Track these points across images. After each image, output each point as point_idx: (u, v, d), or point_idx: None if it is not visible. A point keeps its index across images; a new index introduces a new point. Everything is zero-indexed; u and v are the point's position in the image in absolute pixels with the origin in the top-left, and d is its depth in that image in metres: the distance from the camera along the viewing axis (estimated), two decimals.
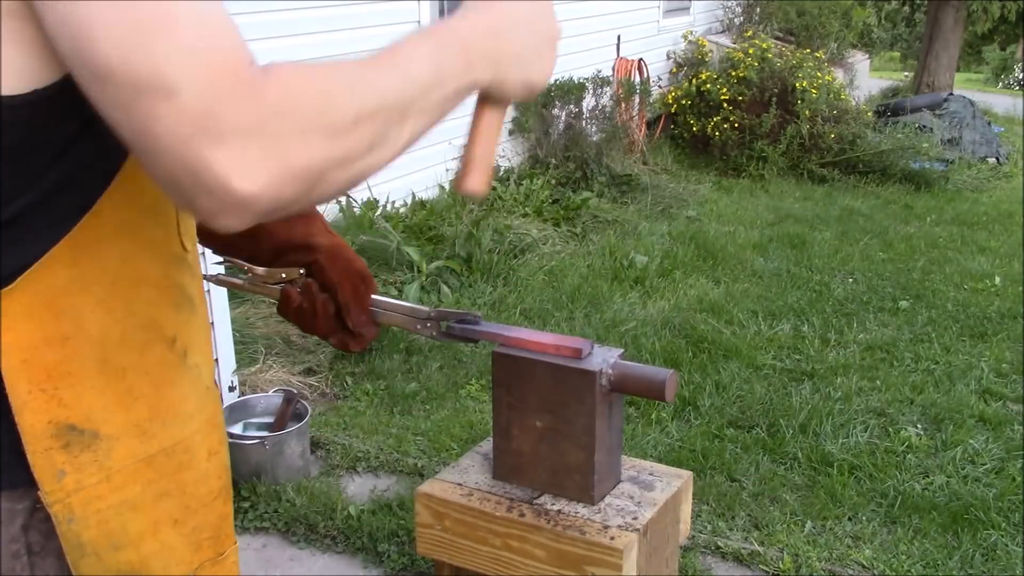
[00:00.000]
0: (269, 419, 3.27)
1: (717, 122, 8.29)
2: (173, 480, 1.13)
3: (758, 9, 10.51)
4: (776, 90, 8.20)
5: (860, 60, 12.00)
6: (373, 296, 1.40)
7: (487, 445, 1.62)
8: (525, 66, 0.95)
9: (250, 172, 0.74)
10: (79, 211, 0.94)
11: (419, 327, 1.40)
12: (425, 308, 1.40)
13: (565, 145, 7.04)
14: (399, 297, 4.36)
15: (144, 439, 1.08)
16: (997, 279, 5.50)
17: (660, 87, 8.95)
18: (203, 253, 1.84)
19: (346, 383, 3.89)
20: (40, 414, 0.99)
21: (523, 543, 1.40)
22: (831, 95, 8.29)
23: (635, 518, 1.40)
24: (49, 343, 0.98)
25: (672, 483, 1.51)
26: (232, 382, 3.45)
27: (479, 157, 1.02)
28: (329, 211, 5.21)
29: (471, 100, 1.00)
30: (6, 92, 0.82)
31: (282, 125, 0.75)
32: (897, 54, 26.00)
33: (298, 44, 4.98)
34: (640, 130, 8.10)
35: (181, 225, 1.08)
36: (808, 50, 9.13)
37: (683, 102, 8.65)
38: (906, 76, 16.18)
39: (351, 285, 1.38)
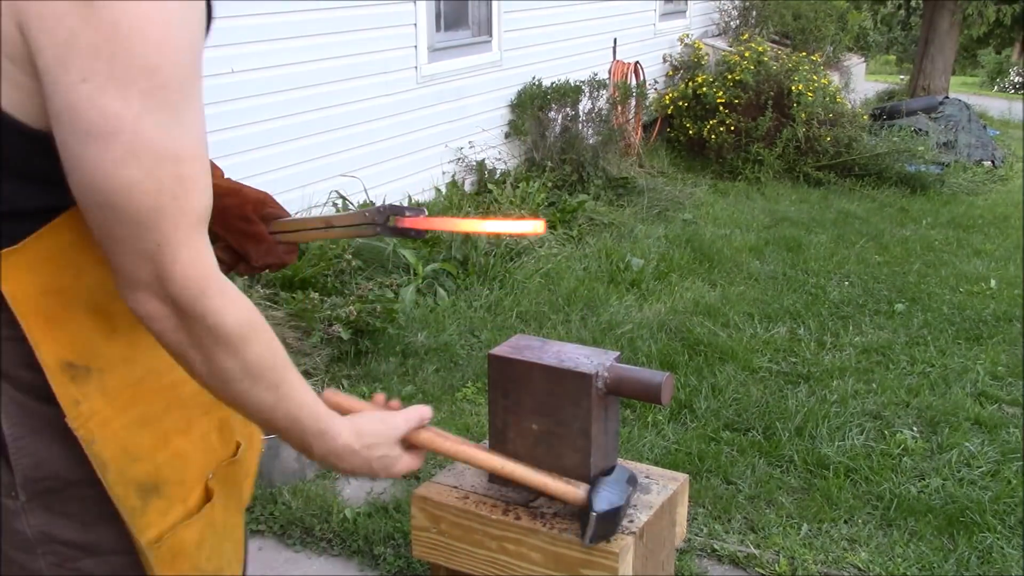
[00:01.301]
0: None
1: (713, 125, 8.30)
2: (171, 396, 1.28)
3: (754, 12, 10.54)
4: (772, 93, 8.21)
5: (856, 63, 12.03)
6: (292, 219, 1.47)
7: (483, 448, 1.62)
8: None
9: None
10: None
11: (366, 230, 1.42)
12: (365, 211, 1.41)
13: (561, 148, 7.04)
14: (394, 301, 4.37)
15: (129, 365, 1.23)
16: (992, 282, 5.51)
17: (656, 90, 8.96)
18: None
19: (342, 385, 3.88)
20: (50, 353, 1.15)
21: (519, 546, 1.40)
22: (827, 98, 8.31)
23: (631, 521, 1.40)
24: (46, 293, 1.14)
25: (668, 486, 1.51)
26: None
27: None
28: (325, 213, 5.21)
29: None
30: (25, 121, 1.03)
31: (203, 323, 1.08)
32: (893, 57, 26.04)
33: (299, 47, 4.99)
34: (636, 133, 8.10)
35: None
36: (804, 53, 9.14)
37: (679, 105, 8.66)
38: (902, 79, 16.21)
39: (234, 234, 1.47)
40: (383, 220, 1.39)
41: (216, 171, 1.49)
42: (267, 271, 1.50)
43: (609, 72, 8.02)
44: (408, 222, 1.39)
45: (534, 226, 1.39)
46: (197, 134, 1.04)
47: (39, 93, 0.99)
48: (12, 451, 1.17)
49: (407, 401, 3.79)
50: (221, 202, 1.37)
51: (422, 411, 1.36)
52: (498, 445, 1.50)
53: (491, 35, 6.70)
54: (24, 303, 1.13)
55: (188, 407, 1.31)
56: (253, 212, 1.49)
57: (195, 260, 1.06)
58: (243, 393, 1.15)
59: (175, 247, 1.04)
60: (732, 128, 8.25)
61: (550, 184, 6.67)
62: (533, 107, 6.90)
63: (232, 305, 1.10)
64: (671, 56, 9.32)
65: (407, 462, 1.31)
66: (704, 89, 8.48)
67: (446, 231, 1.34)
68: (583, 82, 7.35)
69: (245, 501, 1.45)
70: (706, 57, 9.15)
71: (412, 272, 4.82)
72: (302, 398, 1.20)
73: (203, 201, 1.06)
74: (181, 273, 1.05)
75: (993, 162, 9.31)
